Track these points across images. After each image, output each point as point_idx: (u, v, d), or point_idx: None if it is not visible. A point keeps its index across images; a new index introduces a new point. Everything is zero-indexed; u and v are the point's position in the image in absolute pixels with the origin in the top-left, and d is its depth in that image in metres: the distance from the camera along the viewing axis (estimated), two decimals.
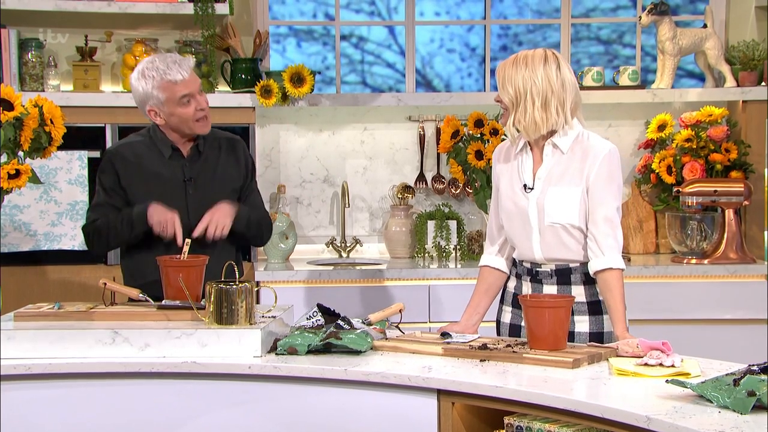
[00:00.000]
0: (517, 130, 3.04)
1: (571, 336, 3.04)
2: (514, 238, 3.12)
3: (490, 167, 4.68)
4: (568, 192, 3.03)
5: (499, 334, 3.20)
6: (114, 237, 3.43)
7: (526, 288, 3.12)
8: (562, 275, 3.07)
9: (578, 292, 3.06)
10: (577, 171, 3.04)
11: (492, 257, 3.20)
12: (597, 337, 3.05)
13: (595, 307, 3.06)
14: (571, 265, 3.06)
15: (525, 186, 3.08)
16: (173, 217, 3.34)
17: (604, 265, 2.99)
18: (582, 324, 3.06)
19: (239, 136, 3.64)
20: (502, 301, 3.22)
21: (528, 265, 3.11)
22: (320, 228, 5.08)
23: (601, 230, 3.00)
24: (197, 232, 3.33)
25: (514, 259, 3.18)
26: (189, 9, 4.62)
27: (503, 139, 4.72)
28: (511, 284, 3.18)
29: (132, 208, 3.41)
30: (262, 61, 4.92)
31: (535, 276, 3.09)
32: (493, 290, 3.20)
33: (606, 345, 2.92)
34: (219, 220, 3.37)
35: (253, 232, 3.54)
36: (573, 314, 3.05)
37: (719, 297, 4.61)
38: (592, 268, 3.02)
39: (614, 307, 2.98)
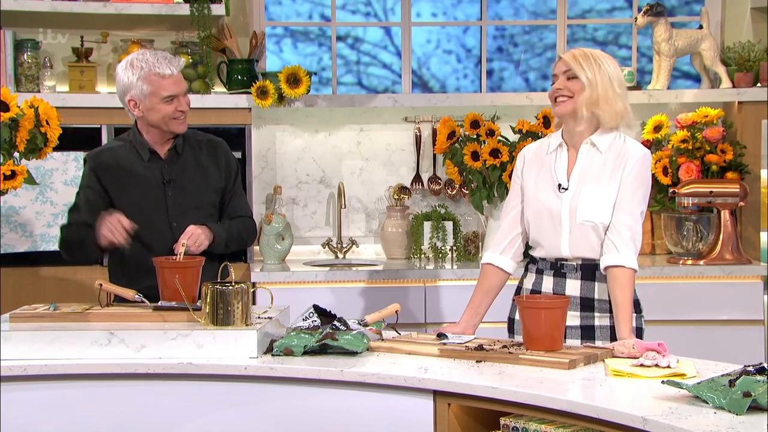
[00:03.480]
0: (589, 114, 3.06)
1: (591, 330, 3.05)
2: (540, 238, 3.11)
3: (486, 168, 4.71)
4: (603, 191, 3.04)
5: (511, 332, 3.20)
6: (80, 254, 3.44)
7: (548, 283, 3.12)
8: (587, 270, 3.08)
9: (600, 290, 3.07)
10: (612, 171, 3.05)
11: (496, 255, 3.19)
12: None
13: None
14: (598, 261, 3.07)
15: (559, 186, 3.08)
16: (115, 218, 3.28)
17: (617, 262, 2.99)
18: (603, 319, 3.08)
19: (221, 138, 3.64)
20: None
21: (552, 260, 3.11)
22: (316, 229, 5.07)
23: (620, 230, 3.01)
24: (178, 247, 3.25)
25: (532, 257, 3.18)
26: (185, 10, 4.62)
27: (500, 141, 4.75)
28: (529, 281, 3.17)
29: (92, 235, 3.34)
30: (258, 62, 4.92)
31: (560, 269, 3.10)
32: (494, 291, 3.19)
33: (602, 346, 2.92)
34: (199, 236, 3.33)
35: (234, 247, 3.56)
36: (594, 311, 3.07)
37: (715, 298, 4.61)
38: (603, 263, 3.02)
39: (623, 306, 2.98)
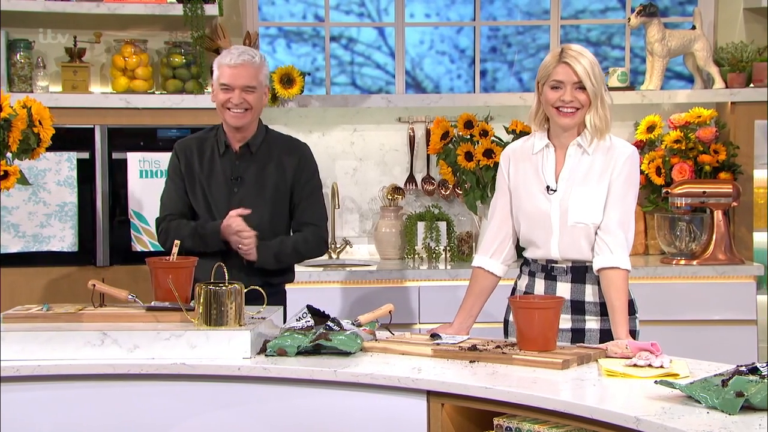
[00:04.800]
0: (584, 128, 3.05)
1: (581, 333, 3.05)
2: (531, 239, 3.10)
3: (480, 168, 4.72)
4: (592, 192, 3.03)
5: (506, 333, 3.20)
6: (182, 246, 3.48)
7: (539, 285, 3.11)
8: (578, 273, 3.07)
9: (592, 292, 3.07)
10: (601, 171, 3.04)
11: (486, 259, 3.18)
12: (607, 334, 3.04)
13: (606, 309, 3.05)
14: (588, 263, 3.06)
15: (548, 188, 3.07)
16: (248, 234, 3.42)
17: (611, 263, 2.99)
18: (593, 322, 3.08)
19: (305, 143, 3.68)
20: None
21: (543, 263, 3.11)
22: None
23: (612, 230, 3.01)
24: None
25: (525, 258, 3.17)
26: (178, 10, 4.61)
27: (494, 141, 4.76)
28: (522, 282, 3.17)
29: (204, 225, 3.48)
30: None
31: (550, 272, 3.09)
32: (485, 293, 3.18)
33: (595, 346, 2.93)
34: (242, 224, 3.43)
35: (291, 261, 3.58)
36: (585, 314, 3.06)
37: (708, 298, 4.62)
38: (597, 264, 3.01)
39: (619, 307, 2.97)
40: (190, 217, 3.59)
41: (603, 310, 3.06)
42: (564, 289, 3.08)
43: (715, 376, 2.43)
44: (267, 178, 3.55)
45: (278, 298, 3.50)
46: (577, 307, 3.07)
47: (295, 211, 3.57)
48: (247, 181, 3.55)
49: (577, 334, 3.07)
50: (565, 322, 3.05)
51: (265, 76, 3.57)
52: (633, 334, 3.05)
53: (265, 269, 3.48)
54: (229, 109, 3.50)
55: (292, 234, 3.59)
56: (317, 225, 3.57)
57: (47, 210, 4.54)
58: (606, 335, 3.03)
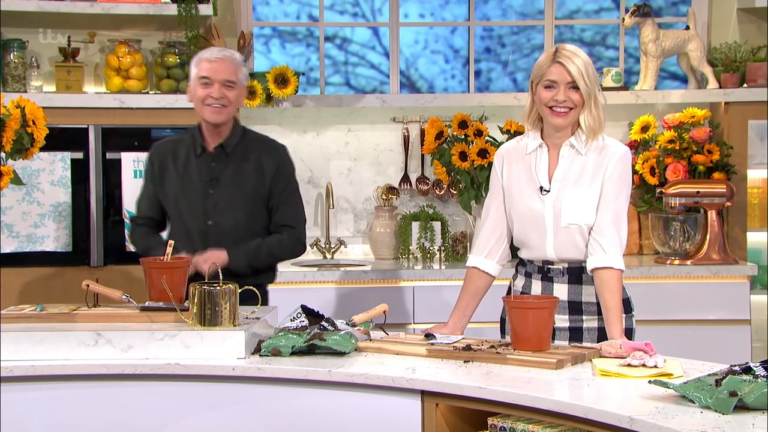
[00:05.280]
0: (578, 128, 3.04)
1: (579, 332, 3.05)
2: (526, 240, 3.10)
3: (474, 168, 4.72)
4: (585, 193, 3.03)
5: (503, 332, 3.20)
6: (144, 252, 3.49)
7: (536, 286, 3.11)
8: (574, 274, 3.07)
9: (589, 293, 3.07)
10: (594, 171, 3.04)
11: (481, 259, 3.18)
12: (604, 333, 3.03)
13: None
14: (584, 264, 3.06)
15: (541, 188, 3.07)
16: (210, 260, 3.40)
17: (605, 263, 2.99)
18: (591, 321, 3.08)
19: (283, 144, 3.66)
20: None
21: (539, 264, 3.11)
22: None
23: (605, 230, 3.01)
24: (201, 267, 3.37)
25: (521, 259, 3.18)
26: (172, 10, 4.61)
27: (488, 141, 4.76)
28: (519, 283, 3.17)
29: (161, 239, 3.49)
30: (246, 63, 4.91)
31: (547, 273, 3.10)
32: (480, 294, 3.18)
33: (589, 345, 2.93)
34: (212, 257, 3.38)
35: (266, 264, 3.55)
36: (582, 314, 3.06)
37: (702, 298, 4.63)
38: (591, 264, 3.01)
39: (613, 307, 2.97)
40: (157, 221, 3.62)
41: (601, 310, 3.06)
42: (561, 291, 3.08)
43: (708, 375, 2.44)
44: (244, 180, 3.54)
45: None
46: (575, 308, 3.08)
47: (274, 214, 3.56)
48: (222, 183, 3.53)
49: (575, 333, 3.08)
50: (563, 321, 3.06)
51: (244, 75, 3.56)
52: (629, 332, 3.06)
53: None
54: (208, 105, 3.48)
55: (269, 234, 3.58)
56: (294, 227, 3.58)
57: (41, 210, 4.53)
58: (604, 334, 3.04)
